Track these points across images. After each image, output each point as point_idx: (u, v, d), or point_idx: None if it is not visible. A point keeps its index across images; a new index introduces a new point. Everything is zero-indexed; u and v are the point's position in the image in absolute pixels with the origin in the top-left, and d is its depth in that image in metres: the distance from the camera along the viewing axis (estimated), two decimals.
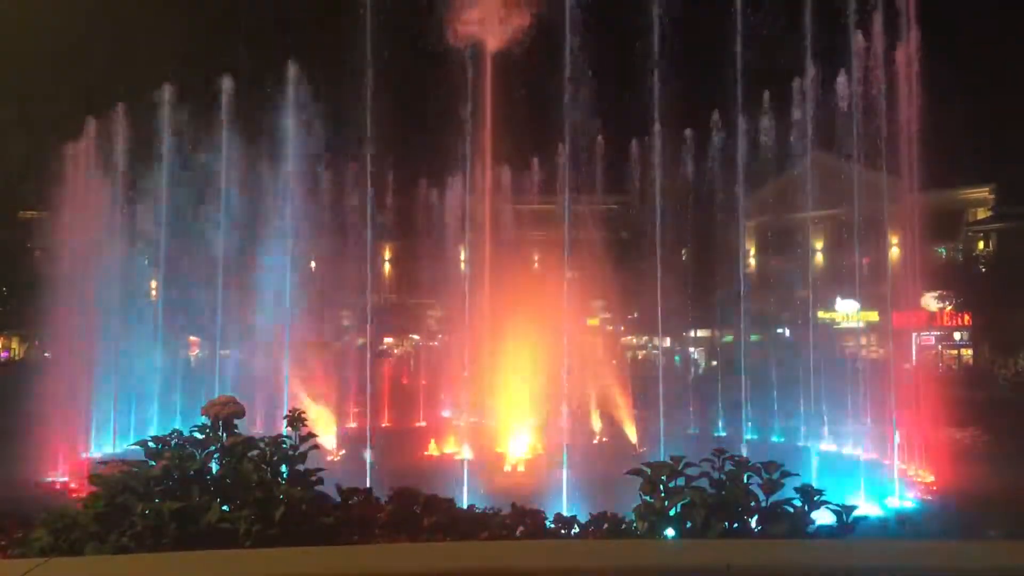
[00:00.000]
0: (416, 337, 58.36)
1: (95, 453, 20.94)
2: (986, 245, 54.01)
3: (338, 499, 5.38)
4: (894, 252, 23.71)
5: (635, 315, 45.00)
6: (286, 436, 5.44)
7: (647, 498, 4.83)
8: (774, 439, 24.34)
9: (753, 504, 4.63)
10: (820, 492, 4.73)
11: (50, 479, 18.11)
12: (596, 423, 24.00)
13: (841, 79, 22.19)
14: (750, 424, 24.66)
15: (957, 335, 55.20)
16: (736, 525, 4.57)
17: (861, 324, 51.84)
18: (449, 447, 21.38)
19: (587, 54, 19.16)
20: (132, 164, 25.29)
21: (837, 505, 4.72)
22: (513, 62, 23.44)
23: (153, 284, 29.09)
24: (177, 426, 5.53)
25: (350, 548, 4.80)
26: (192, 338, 37.41)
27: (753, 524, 4.60)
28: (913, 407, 19.01)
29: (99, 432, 22.62)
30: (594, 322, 41.55)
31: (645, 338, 54.43)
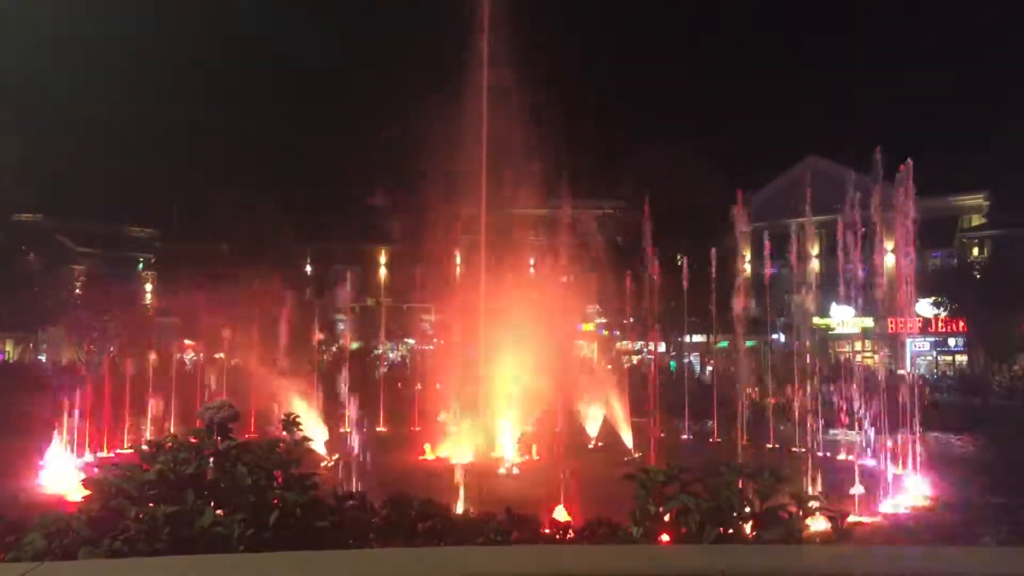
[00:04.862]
0: (411, 341, 58.35)
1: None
2: (981, 251, 54.20)
3: (333, 504, 5.38)
4: (889, 258, 23.76)
5: (631, 320, 45.04)
6: (281, 440, 5.44)
7: (642, 504, 4.84)
8: (769, 445, 24.37)
9: (748, 510, 4.65)
10: (814, 498, 4.74)
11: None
12: (591, 428, 24.01)
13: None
14: (745, 429, 24.67)
15: (952, 341, 55.37)
16: (731, 531, 4.58)
17: (856, 330, 52.08)
18: (444, 451, 21.36)
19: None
20: None
21: (831, 511, 4.73)
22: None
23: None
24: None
25: (344, 553, 4.80)
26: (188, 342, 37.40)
27: (748, 530, 4.61)
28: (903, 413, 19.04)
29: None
30: (589, 327, 41.58)
31: (640, 343, 54.49)
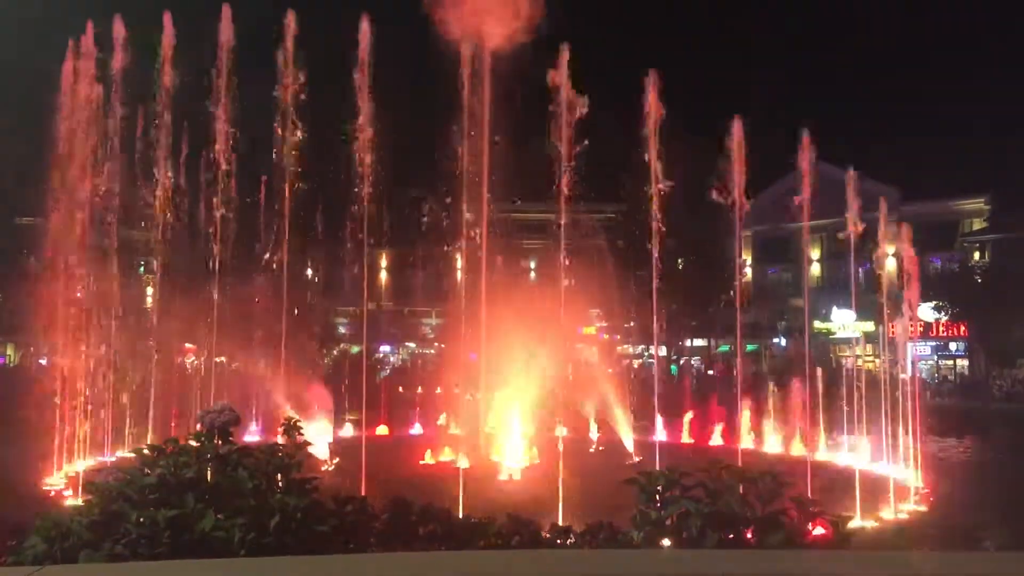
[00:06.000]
0: (412, 345, 58.34)
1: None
2: (982, 256, 54.18)
3: (333, 508, 5.37)
4: (890, 263, 23.76)
5: (632, 324, 45.08)
6: (281, 444, 5.43)
7: (643, 508, 4.83)
8: (768, 449, 24.34)
9: (749, 514, 4.63)
10: (815, 502, 4.73)
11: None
12: (593, 432, 24.00)
13: None
14: (747, 434, 24.68)
15: (953, 345, 55.33)
16: (732, 535, 4.57)
17: (858, 334, 52.07)
18: (445, 456, 21.33)
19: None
20: None
21: (832, 516, 4.72)
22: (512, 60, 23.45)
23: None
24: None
25: (345, 557, 4.79)
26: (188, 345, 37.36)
27: (749, 535, 4.60)
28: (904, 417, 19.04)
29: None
30: (590, 330, 41.57)
31: (641, 347, 54.47)
